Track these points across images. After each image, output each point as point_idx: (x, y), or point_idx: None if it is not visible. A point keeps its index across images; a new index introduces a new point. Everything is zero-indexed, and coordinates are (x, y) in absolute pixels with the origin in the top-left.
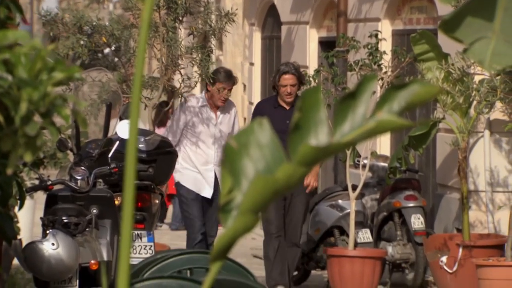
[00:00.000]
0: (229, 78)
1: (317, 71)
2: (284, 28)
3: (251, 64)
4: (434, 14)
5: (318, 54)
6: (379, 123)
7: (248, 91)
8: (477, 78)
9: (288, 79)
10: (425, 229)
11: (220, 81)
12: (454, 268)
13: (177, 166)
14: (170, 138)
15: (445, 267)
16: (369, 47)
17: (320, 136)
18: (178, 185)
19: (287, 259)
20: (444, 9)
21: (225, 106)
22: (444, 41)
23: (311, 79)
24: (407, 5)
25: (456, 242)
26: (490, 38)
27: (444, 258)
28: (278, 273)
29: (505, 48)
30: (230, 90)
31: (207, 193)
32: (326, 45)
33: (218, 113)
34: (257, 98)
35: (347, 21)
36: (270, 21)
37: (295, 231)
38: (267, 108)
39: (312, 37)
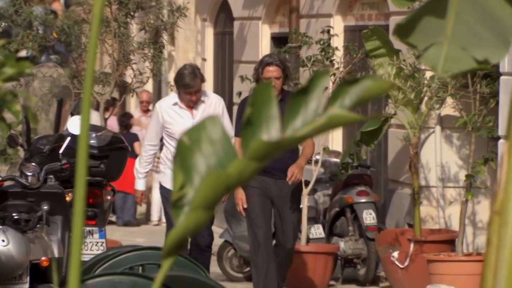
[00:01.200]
0: (193, 80)
1: None
2: (236, 24)
3: (204, 59)
4: (385, 10)
5: (271, 49)
6: (331, 118)
7: None
8: (428, 74)
9: (271, 71)
10: (376, 225)
11: (184, 87)
12: (406, 263)
13: (160, 166)
14: (152, 143)
15: (397, 262)
16: (321, 43)
17: (272, 131)
18: (162, 188)
19: (280, 265)
20: (396, 6)
21: (204, 101)
22: (404, 44)
23: None
24: (359, 1)
25: (407, 237)
26: (442, 43)
27: (395, 253)
28: (270, 284)
29: (458, 53)
30: (197, 92)
31: None
32: (278, 41)
33: (195, 110)
34: None
35: (299, 17)
36: (222, 17)
37: (289, 240)
38: None
39: (264, 33)
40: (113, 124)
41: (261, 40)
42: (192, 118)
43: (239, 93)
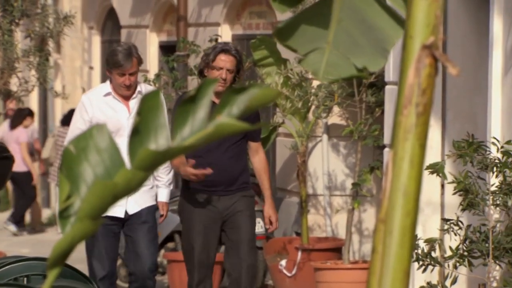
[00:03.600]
0: (127, 59)
1: (158, 76)
2: (123, 32)
3: (91, 68)
4: (273, 19)
5: (159, 58)
6: (218, 126)
7: None
8: (315, 83)
9: (225, 61)
10: (264, 233)
11: (116, 66)
12: (293, 272)
13: None
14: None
15: (284, 271)
16: None
17: (160, 140)
18: None
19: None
20: (283, 15)
21: (142, 93)
22: (284, 47)
23: (151, 83)
24: (247, 10)
25: (295, 246)
26: (324, 49)
27: (283, 262)
28: None
29: (339, 60)
30: (134, 74)
31: (118, 211)
32: (166, 49)
33: (132, 103)
34: None
35: (187, 26)
36: (110, 25)
37: (245, 253)
38: None
39: (152, 41)
40: (22, 134)
41: (149, 48)
42: (128, 112)
43: None
